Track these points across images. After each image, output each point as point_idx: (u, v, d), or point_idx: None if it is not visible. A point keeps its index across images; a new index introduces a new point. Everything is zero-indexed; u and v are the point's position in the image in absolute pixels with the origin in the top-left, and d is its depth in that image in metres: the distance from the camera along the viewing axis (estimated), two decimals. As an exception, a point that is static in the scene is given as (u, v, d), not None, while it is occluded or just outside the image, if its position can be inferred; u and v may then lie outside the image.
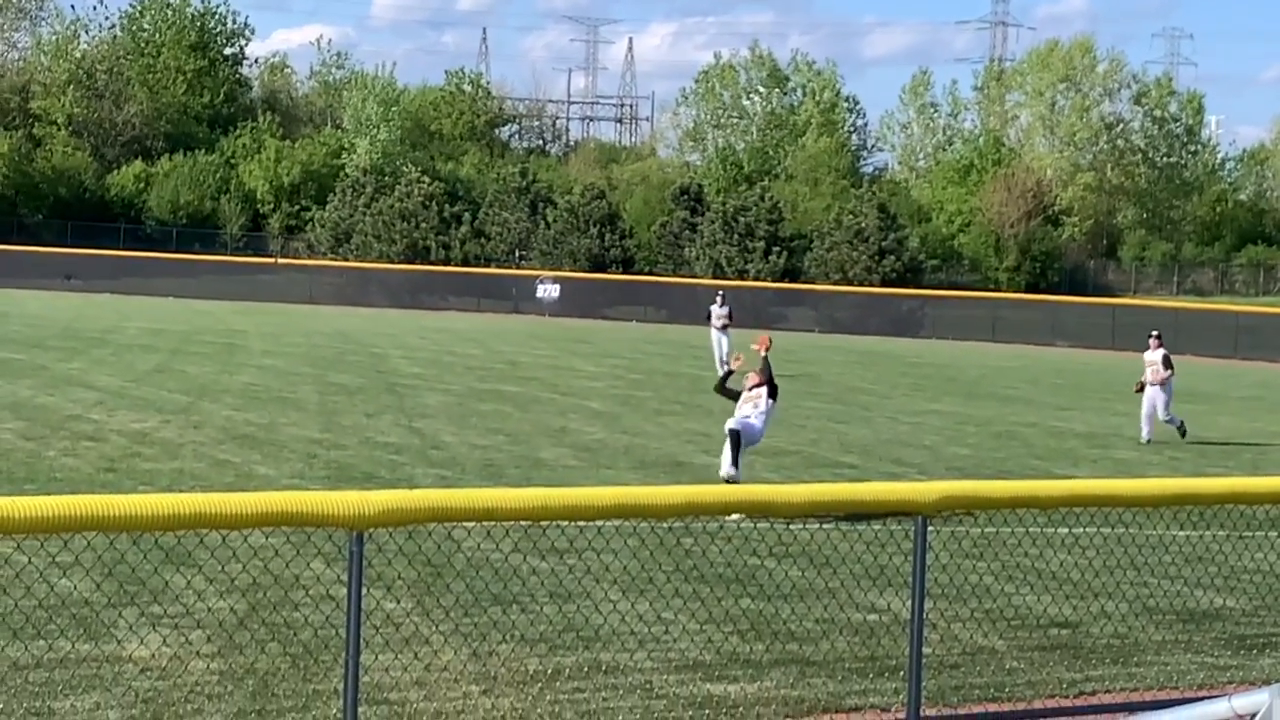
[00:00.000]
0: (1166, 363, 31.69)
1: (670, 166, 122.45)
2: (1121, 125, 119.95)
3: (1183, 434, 30.96)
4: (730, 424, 20.05)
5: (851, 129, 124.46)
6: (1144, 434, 30.94)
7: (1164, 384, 31.38)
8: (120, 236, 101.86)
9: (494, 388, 36.67)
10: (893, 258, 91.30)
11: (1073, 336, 74.39)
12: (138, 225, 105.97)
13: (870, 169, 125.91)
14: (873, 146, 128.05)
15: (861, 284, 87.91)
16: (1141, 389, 31.78)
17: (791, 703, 11.43)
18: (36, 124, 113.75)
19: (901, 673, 11.32)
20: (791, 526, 16.26)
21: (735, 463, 19.77)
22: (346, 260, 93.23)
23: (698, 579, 14.54)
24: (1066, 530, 15.92)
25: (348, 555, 8.12)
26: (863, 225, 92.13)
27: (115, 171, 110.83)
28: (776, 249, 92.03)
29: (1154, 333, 33.30)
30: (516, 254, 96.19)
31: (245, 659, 11.55)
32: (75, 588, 12.72)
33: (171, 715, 10.33)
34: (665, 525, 15.80)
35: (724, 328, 45.14)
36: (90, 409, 28.01)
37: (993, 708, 11.53)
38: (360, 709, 8.72)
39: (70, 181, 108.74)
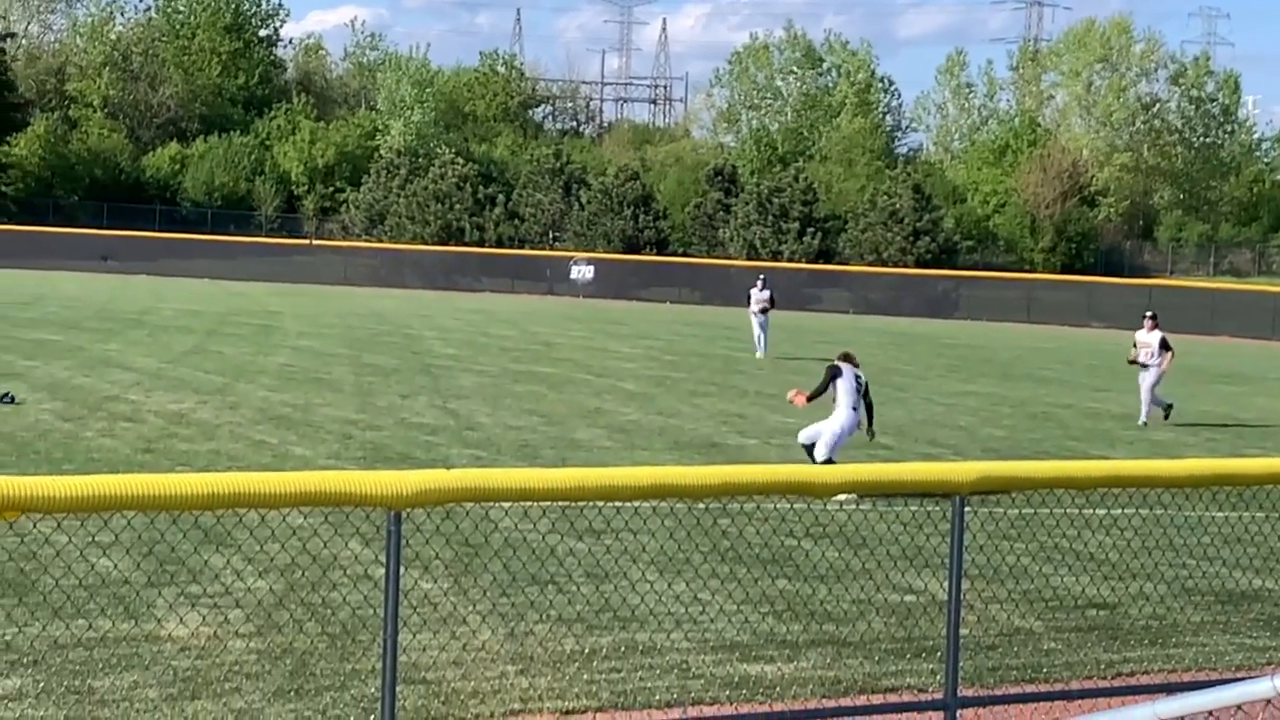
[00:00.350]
0: (1164, 345, 30.87)
1: (704, 147, 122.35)
2: (1158, 105, 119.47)
3: (1166, 415, 30.50)
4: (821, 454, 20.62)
5: (886, 110, 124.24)
6: (1162, 413, 30.55)
7: (1162, 365, 30.79)
8: (156, 218, 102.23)
9: (529, 369, 36.70)
10: (927, 239, 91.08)
11: (1108, 317, 74.06)
12: (173, 207, 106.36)
13: (905, 150, 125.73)
14: (907, 127, 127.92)
15: (896, 265, 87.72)
16: (1134, 362, 31.33)
17: (828, 683, 11.43)
18: (72, 106, 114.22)
19: (939, 654, 11.30)
20: (829, 507, 16.24)
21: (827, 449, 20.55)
22: (381, 241, 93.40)
23: (734, 560, 14.54)
24: (1105, 511, 15.88)
25: (386, 535, 8.13)
26: (897, 206, 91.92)
27: (151, 153, 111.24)
28: (811, 230, 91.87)
29: (1148, 314, 32.39)
30: (550, 235, 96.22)
31: (283, 638, 11.59)
32: (115, 567, 12.77)
33: (210, 694, 10.37)
34: (701, 506, 15.80)
35: (763, 312, 44.76)
36: (127, 390, 28.13)
37: (1030, 688, 11.50)
38: (397, 688, 8.74)
39: (106, 163, 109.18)
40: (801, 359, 43.82)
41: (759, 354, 43.93)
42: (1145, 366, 30.79)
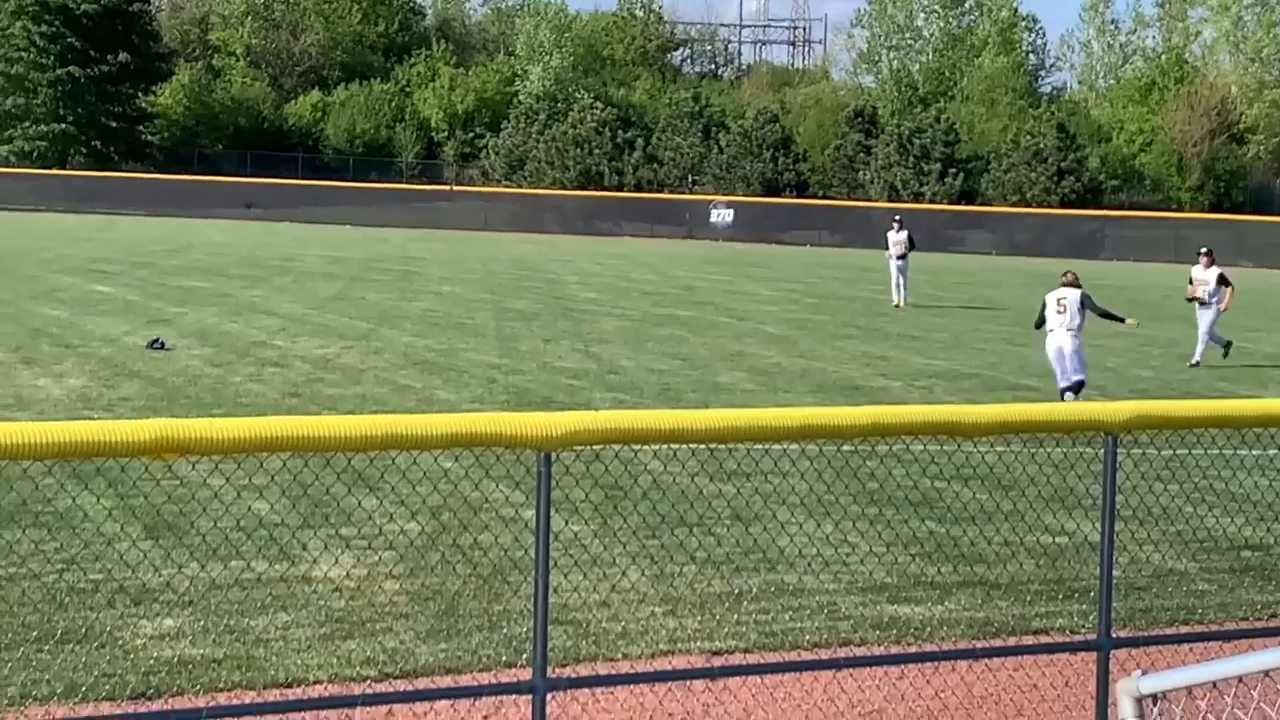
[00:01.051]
0: (1223, 280, 29.97)
1: (844, 89, 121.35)
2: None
3: (1226, 353, 29.78)
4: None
5: (1029, 48, 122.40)
6: (1220, 352, 29.83)
7: (1221, 303, 29.88)
8: (299, 165, 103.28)
9: (670, 312, 36.73)
10: (1072, 178, 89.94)
11: (1258, 256, 72.80)
12: (315, 154, 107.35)
13: (1049, 89, 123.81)
14: (1051, 66, 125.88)
15: (1040, 205, 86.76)
16: (1193, 299, 30.53)
17: (977, 624, 11.36)
18: (216, 55, 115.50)
19: (1090, 595, 11.19)
20: (978, 448, 16.10)
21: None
22: (521, 187, 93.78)
23: (881, 501, 14.48)
24: (1260, 452, 15.62)
25: (536, 476, 8.14)
26: (1041, 146, 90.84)
27: (293, 101, 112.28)
28: (953, 171, 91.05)
29: (1203, 250, 31.35)
30: (689, 179, 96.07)
31: (434, 579, 11.70)
32: (270, 508, 12.95)
33: (362, 634, 10.50)
34: (850, 447, 15.73)
35: (902, 257, 41.64)
36: (274, 335, 28.50)
37: (1183, 630, 11.36)
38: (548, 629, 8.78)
39: (249, 111, 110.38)
40: (942, 305, 43.46)
41: (896, 302, 41.16)
42: (1205, 304, 30.03)
